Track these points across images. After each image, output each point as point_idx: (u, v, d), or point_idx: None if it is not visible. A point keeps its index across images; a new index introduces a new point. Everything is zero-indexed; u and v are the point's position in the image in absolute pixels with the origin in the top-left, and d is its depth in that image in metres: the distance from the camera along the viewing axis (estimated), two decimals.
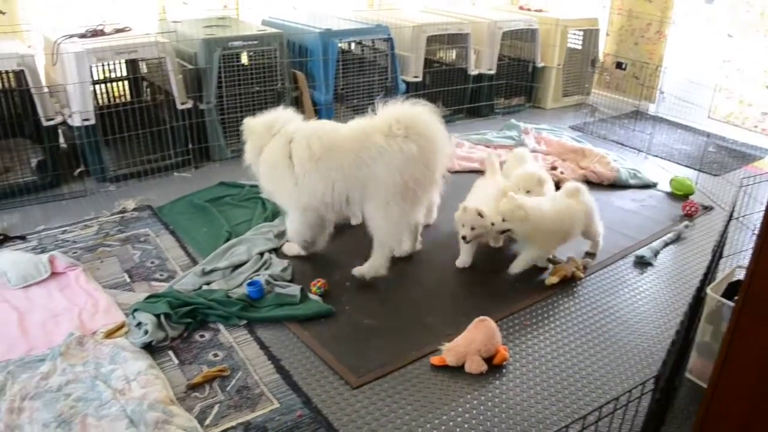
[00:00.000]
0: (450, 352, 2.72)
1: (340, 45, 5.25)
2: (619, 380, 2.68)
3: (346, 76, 5.42)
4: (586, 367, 2.75)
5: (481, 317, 2.83)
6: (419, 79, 5.80)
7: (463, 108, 6.22)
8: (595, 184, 4.71)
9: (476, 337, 2.73)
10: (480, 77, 6.20)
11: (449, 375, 2.68)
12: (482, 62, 6.21)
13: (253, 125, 3.34)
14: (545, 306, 3.20)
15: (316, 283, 3.16)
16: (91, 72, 4.41)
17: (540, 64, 6.55)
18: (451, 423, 2.42)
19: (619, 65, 6.98)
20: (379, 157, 3.06)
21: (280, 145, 3.21)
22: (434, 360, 2.72)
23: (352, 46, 5.79)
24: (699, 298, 2.49)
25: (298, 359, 2.73)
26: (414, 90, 5.71)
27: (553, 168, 4.76)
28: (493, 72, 6.25)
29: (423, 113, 3.16)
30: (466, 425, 2.41)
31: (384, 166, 3.06)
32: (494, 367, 2.72)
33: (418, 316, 3.06)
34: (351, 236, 3.79)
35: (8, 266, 3.23)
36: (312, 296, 3.12)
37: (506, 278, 3.41)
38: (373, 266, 3.27)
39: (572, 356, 2.83)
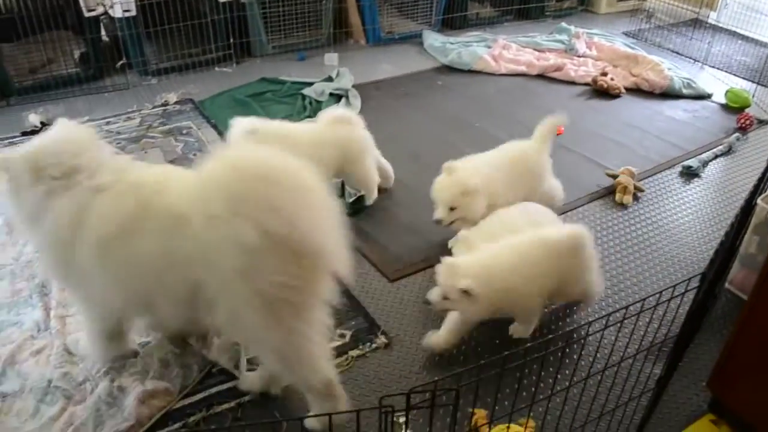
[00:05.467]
0: None
1: None
2: (657, 287, 2.66)
3: None
4: (623, 273, 2.73)
5: None
6: None
7: (512, 9, 5.96)
8: (646, 92, 4.54)
9: None
10: None
11: None
12: None
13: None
14: (584, 212, 3.15)
15: None
16: None
17: None
18: None
19: None
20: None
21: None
22: None
23: None
24: (749, 208, 2.42)
25: None
26: None
27: (604, 74, 4.58)
28: None
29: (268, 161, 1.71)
30: None
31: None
32: None
33: None
34: (388, 138, 3.76)
35: None
36: (350, 190, 3.13)
37: None
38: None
39: (608, 262, 2.80)
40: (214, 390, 2.11)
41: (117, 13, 4.25)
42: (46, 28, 4.26)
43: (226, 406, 2.06)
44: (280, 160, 1.69)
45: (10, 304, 2.41)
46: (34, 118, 3.76)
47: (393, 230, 2.93)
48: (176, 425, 1.99)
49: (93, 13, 4.25)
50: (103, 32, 4.55)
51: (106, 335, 2.13)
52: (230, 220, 1.60)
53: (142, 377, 2.12)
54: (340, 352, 2.26)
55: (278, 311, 1.68)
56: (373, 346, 2.30)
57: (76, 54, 4.42)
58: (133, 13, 4.26)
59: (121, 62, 4.44)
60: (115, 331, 2.14)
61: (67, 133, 1.96)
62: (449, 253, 2.59)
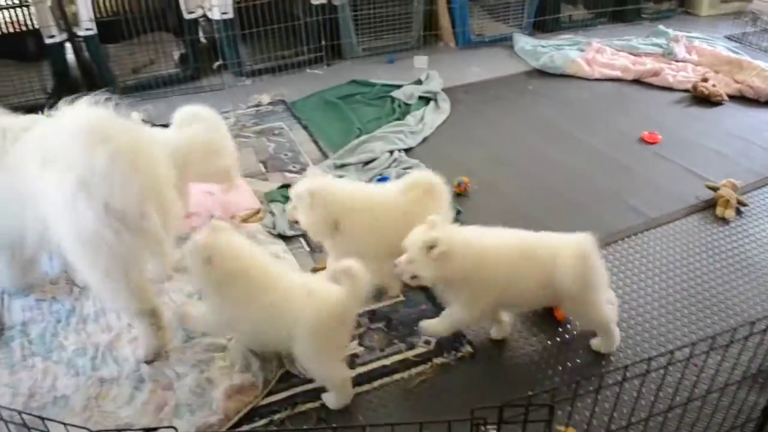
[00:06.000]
0: None
1: None
2: (762, 309, 2.50)
3: None
4: (723, 293, 2.58)
5: None
6: None
7: (607, 11, 5.77)
8: (751, 100, 4.30)
9: None
10: None
11: None
12: None
13: None
14: (681, 226, 3.00)
15: (461, 181, 3.13)
16: None
17: None
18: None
19: None
20: None
21: None
22: None
23: None
24: None
25: None
26: None
27: (704, 80, 4.37)
28: None
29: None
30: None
31: None
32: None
33: (545, 223, 2.95)
34: (476, 143, 3.72)
35: None
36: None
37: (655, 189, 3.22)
38: None
39: (708, 280, 2.66)
40: (299, 389, 2.14)
41: (215, 15, 4.41)
42: (148, 29, 4.47)
43: (310, 405, 2.09)
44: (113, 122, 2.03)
45: None
46: (136, 116, 3.94)
47: None
48: (262, 422, 2.03)
49: (192, 16, 4.43)
50: (201, 34, 4.72)
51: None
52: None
53: (230, 371, 2.18)
54: (424, 358, 2.25)
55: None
56: (458, 355, 2.27)
57: (176, 55, 4.61)
58: (231, 15, 4.40)
59: (218, 63, 4.60)
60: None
61: None
62: None
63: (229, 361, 2.22)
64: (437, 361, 2.25)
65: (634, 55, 4.93)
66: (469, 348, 2.29)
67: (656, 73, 4.61)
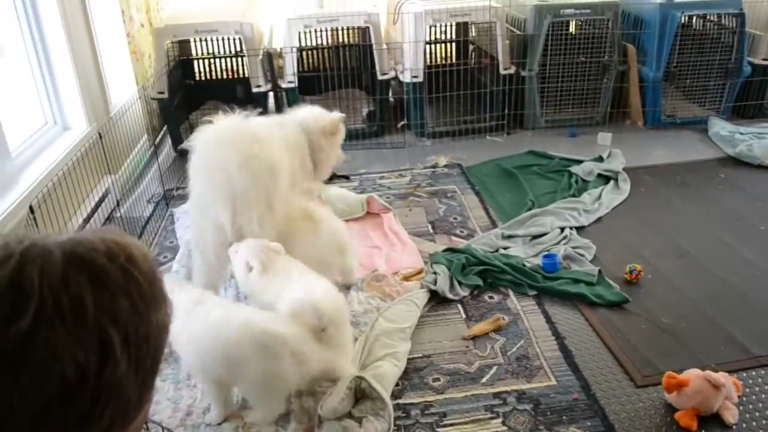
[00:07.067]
0: None
1: (681, 18, 4.81)
2: None
3: (682, 52, 4.96)
4: None
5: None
6: None
7: None
8: None
9: None
10: None
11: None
12: None
13: None
14: None
15: (633, 268, 2.99)
16: (425, 32, 4.70)
17: None
18: None
19: None
20: None
21: None
22: None
23: (694, 20, 5.26)
24: None
25: (583, 342, 2.64)
26: (761, 75, 5.00)
27: None
28: None
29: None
30: None
31: None
32: None
33: (722, 325, 2.73)
34: (655, 230, 3.53)
35: (335, 199, 3.66)
36: (610, 281, 2.97)
37: None
38: None
39: None
40: None
41: (406, 78, 4.66)
42: (343, 86, 4.82)
43: None
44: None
45: None
46: None
47: (648, 330, 2.71)
48: None
49: (385, 77, 4.71)
50: (390, 94, 4.99)
51: None
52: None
53: (358, 422, 2.22)
54: None
55: None
56: None
57: (365, 111, 4.91)
58: (420, 79, 4.63)
59: (402, 123, 4.82)
60: None
61: None
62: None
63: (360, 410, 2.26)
64: None
65: None
66: None
67: None
